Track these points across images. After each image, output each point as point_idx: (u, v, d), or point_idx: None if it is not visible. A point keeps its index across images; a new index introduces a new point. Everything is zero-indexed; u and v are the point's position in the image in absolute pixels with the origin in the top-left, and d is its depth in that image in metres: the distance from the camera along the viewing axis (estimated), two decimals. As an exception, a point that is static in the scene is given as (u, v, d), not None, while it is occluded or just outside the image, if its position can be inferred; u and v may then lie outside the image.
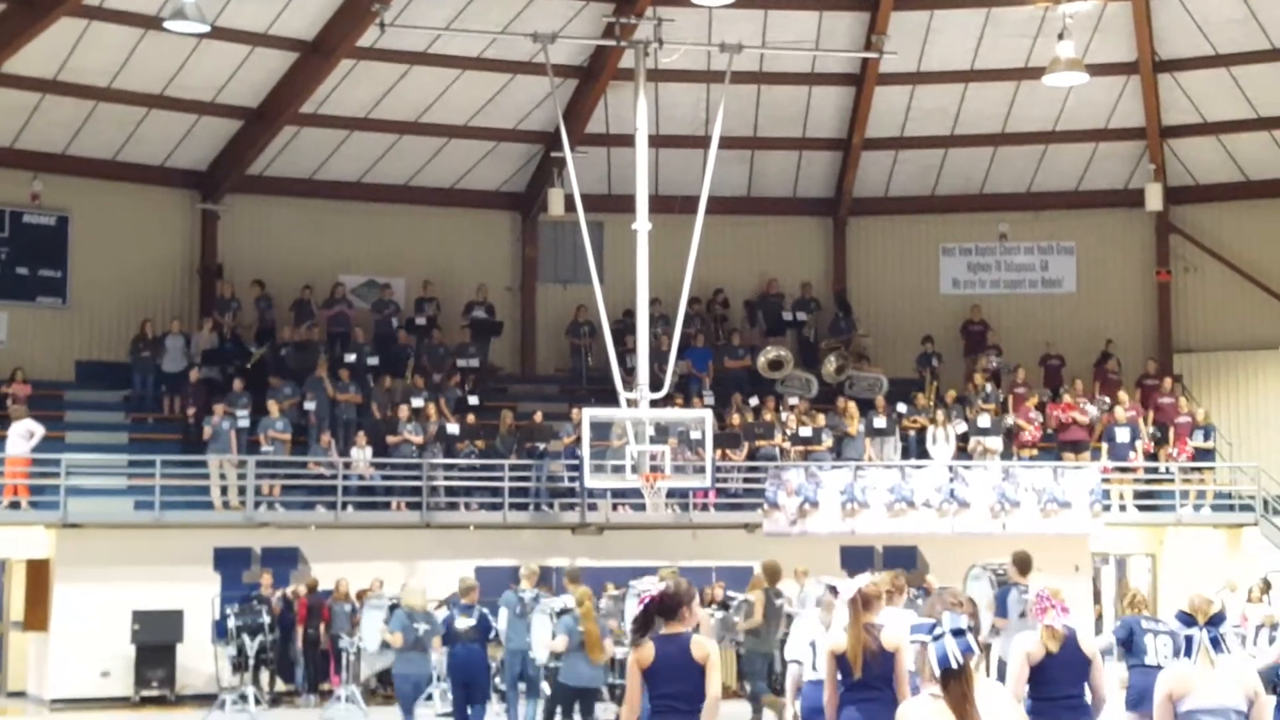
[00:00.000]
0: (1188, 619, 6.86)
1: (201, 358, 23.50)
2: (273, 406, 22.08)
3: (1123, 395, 24.74)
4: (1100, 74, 23.65)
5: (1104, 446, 24.07)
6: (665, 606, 7.07)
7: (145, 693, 20.31)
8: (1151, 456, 24.54)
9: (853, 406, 24.08)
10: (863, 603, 8.00)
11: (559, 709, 14.20)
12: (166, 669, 20.37)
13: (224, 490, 21.56)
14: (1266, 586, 20.77)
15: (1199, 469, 24.53)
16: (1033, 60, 23.97)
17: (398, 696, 14.78)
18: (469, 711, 14.12)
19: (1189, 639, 6.78)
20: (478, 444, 22.53)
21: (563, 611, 14.45)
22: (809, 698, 8.96)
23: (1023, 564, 14.79)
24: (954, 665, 4.15)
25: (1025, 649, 8.06)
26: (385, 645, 15.36)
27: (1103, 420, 24.57)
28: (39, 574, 21.26)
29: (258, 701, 18.84)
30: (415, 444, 22.23)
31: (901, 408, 24.37)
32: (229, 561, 21.04)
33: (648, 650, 7.02)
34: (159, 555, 20.61)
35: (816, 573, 18.65)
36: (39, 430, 20.92)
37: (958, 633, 4.24)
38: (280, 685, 20.44)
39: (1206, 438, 24.65)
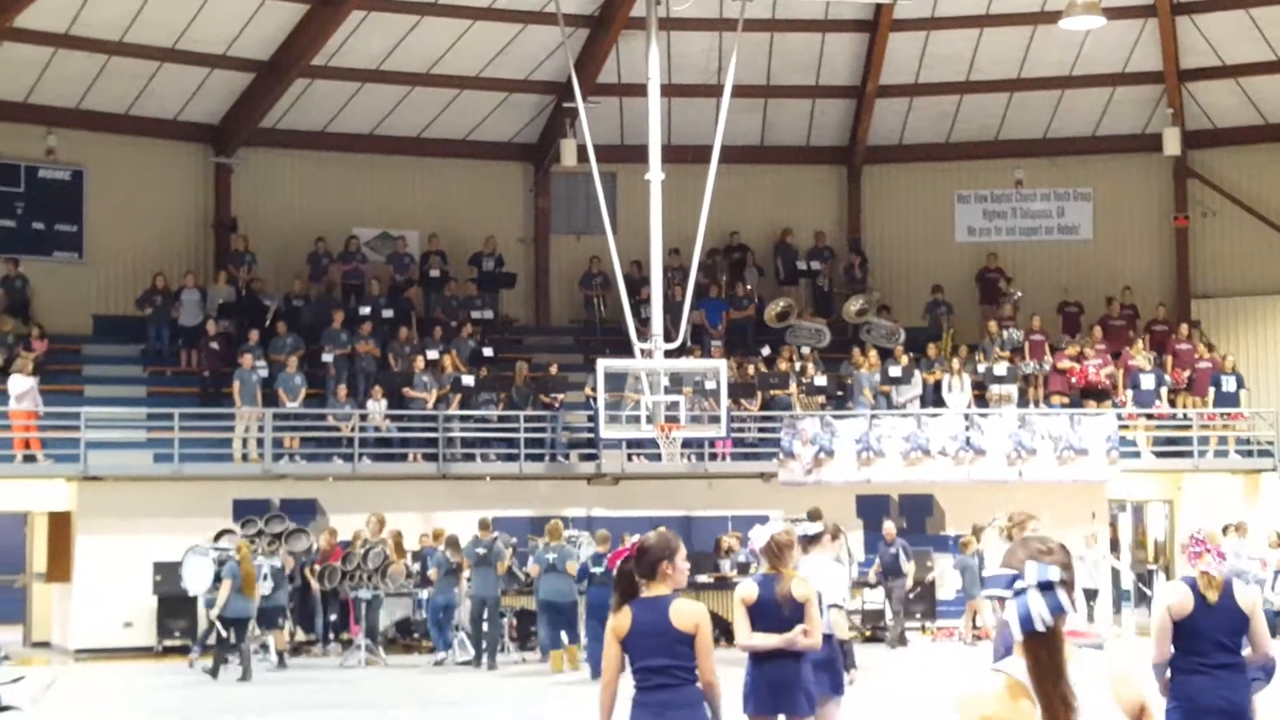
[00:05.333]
0: None
1: (218, 311, 23.60)
2: (290, 361, 22.22)
3: (1138, 345, 24.67)
4: (1117, 17, 23.43)
5: (1128, 394, 24.05)
6: (641, 563, 6.21)
7: (168, 642, 20.53)
8: (1169, 403, 24.50)
9: (874, 355, 24.05)
10: (776, 551, 7.59)
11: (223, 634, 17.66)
12: (188, 619, 20.54)
13: (244, 443, 21.72)
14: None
15: (1222, 414, 24.45)
16: (1049, 3, 23.76)
17: None
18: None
19: None
20: (501, 395, 22.62)
21: (225, 559, 18.24)
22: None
23: (813, 516, 16.54)
24: (1040, 627, 3.36)
25: (1167, 601, 6.89)
26: None
27: (1121, 370, 24.54)
28: (61, 526, 21.48)
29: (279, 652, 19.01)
30: (426, 400, 22.30)
31: (905, 360, 24.20)
32: (248, 513, 21.17)
33: (624, 617, 6.16)
34: (179, 507, 20.78)
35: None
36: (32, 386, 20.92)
37: (1045, 586, 3.40)
38: (301, 635, 20.63)
39: (1240, 385, 24.52)
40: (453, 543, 19.14)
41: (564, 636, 18.19)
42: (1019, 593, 3.42)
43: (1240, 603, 6.86)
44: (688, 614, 6.13)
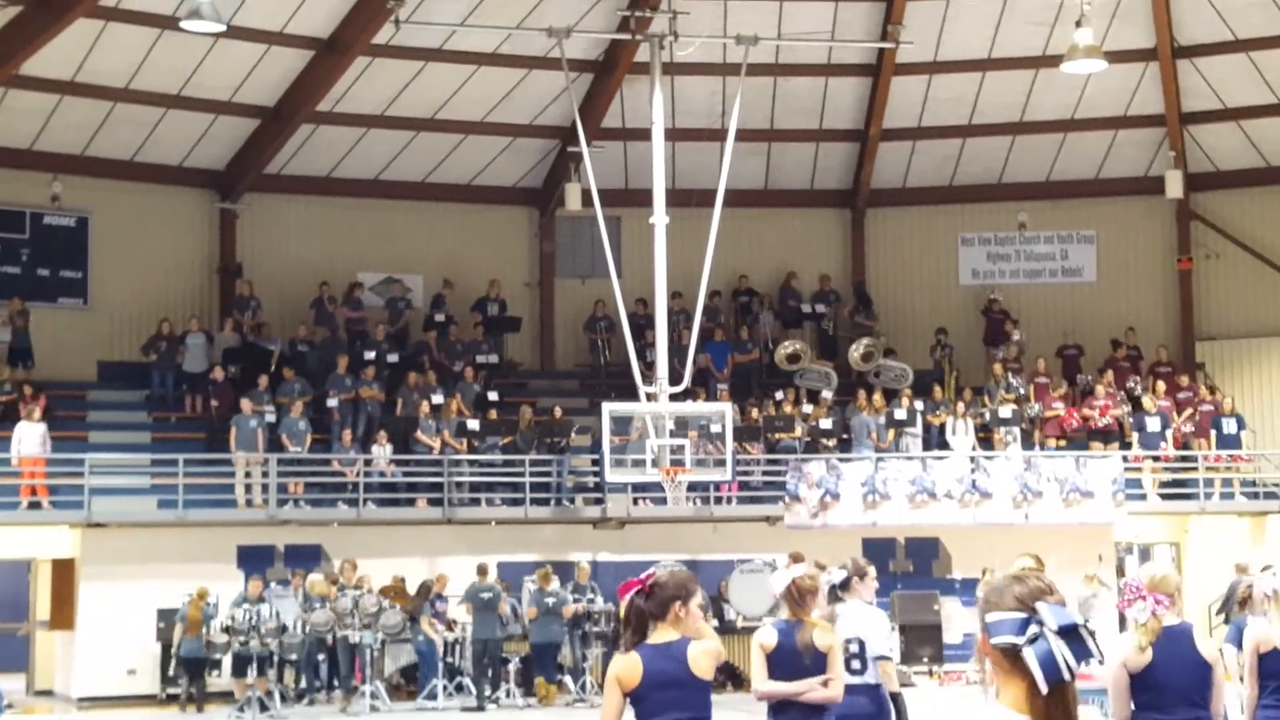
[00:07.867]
0: None
1: (222, 356, 23.59)
2: (296, 406, 22.18)
3: (1160, 386, 24.67)
4: (1119, 60, 23.51)
5: (1135, 436, 24.02)
6: (654, 599, 5.52)
7: (171, 690, 20.36)
8: (1178, 446, 24.44)
9: (878, 398, 24.00)
10: (796, 596, 7.16)
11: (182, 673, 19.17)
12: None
13: (247, 489, 21.64)
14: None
15: (1227, 456, 24.40)
16: (1050, 48, 23.85)
17: None
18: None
19: None
20: (504, 440, 22.57)
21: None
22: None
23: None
24: (1067, 676, 3.03)
25: (1121, 656, 6.37)
26: None
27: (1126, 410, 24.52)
28: (64, 573, 21.38)
29: (283, 698, 18.89)
30: (435, 446, 22.25)
31: (919, 404, 24.17)
32: (252, 559, 21.10)
33: (632, 666, 5.46)
34: (183, 553, 20.70)
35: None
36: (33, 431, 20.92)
37: (1068, 631, 3.05)
38: (305, 682, 20.47)
39: (1241, 427, 24.50)
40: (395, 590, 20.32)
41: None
42: (1033, 640, 3.04)
43: (1202, 652, 6.41)
44: (707, 656, 5.55)
